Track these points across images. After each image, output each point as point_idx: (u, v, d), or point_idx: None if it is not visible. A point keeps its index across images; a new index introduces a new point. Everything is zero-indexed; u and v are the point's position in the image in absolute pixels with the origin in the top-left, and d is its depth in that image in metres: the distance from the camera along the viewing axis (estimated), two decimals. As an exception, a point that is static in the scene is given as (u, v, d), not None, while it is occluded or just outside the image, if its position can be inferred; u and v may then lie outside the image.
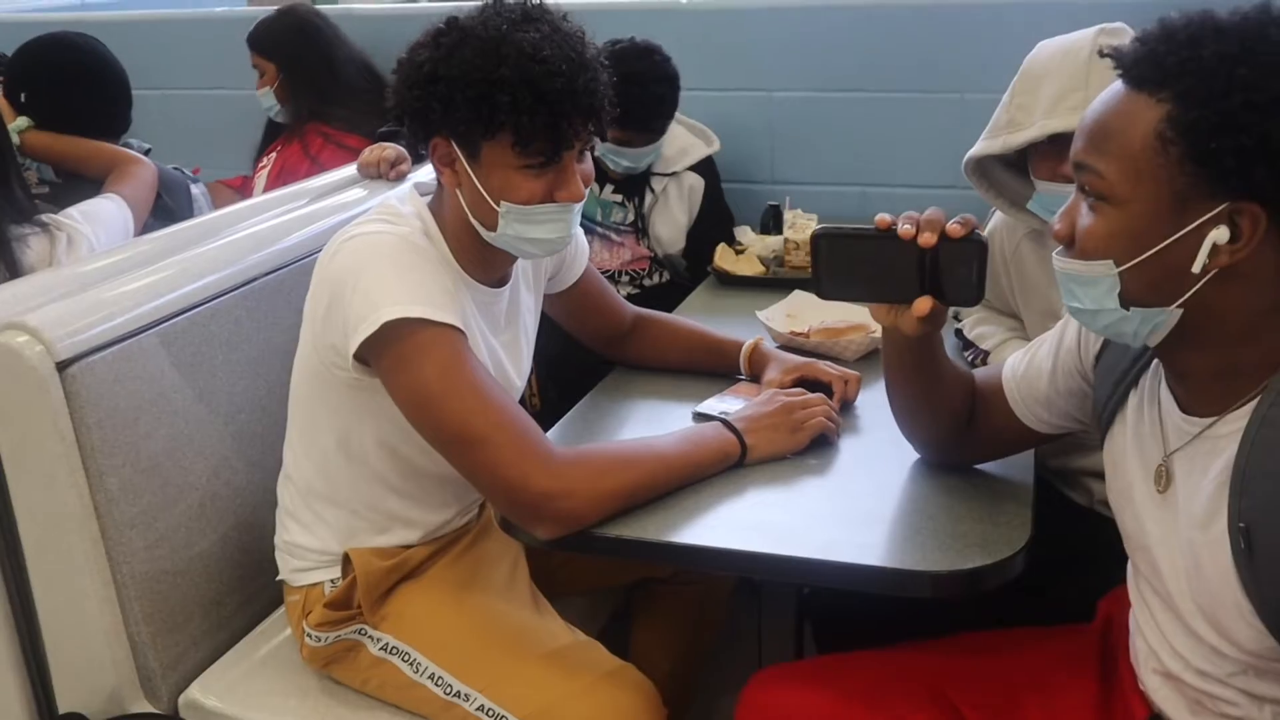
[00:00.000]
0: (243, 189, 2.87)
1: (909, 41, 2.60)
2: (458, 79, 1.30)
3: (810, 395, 1.54)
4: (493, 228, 1.39)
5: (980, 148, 1.57)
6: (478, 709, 1.42)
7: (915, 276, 1.23)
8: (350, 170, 2.20)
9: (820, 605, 1.65)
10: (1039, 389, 1.30)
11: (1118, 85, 1.01)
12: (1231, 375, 1.02)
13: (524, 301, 1.61)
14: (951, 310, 1.86)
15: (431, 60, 1.33)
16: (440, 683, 1.45)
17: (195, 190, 2.54)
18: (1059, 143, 1.46)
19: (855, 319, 1.87)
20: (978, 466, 1.42)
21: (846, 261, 1.28)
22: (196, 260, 1.69)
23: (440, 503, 1.56)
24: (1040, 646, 1.36)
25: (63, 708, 1.57)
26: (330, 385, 1.44)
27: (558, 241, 1.42)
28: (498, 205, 1.36)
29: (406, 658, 1.47)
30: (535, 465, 1.30)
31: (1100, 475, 1.57)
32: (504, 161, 1.34)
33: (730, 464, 1.44)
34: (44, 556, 1.51)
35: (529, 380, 2.39)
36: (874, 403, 1.64)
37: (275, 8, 2.88)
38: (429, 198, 1.49)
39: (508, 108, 1.29)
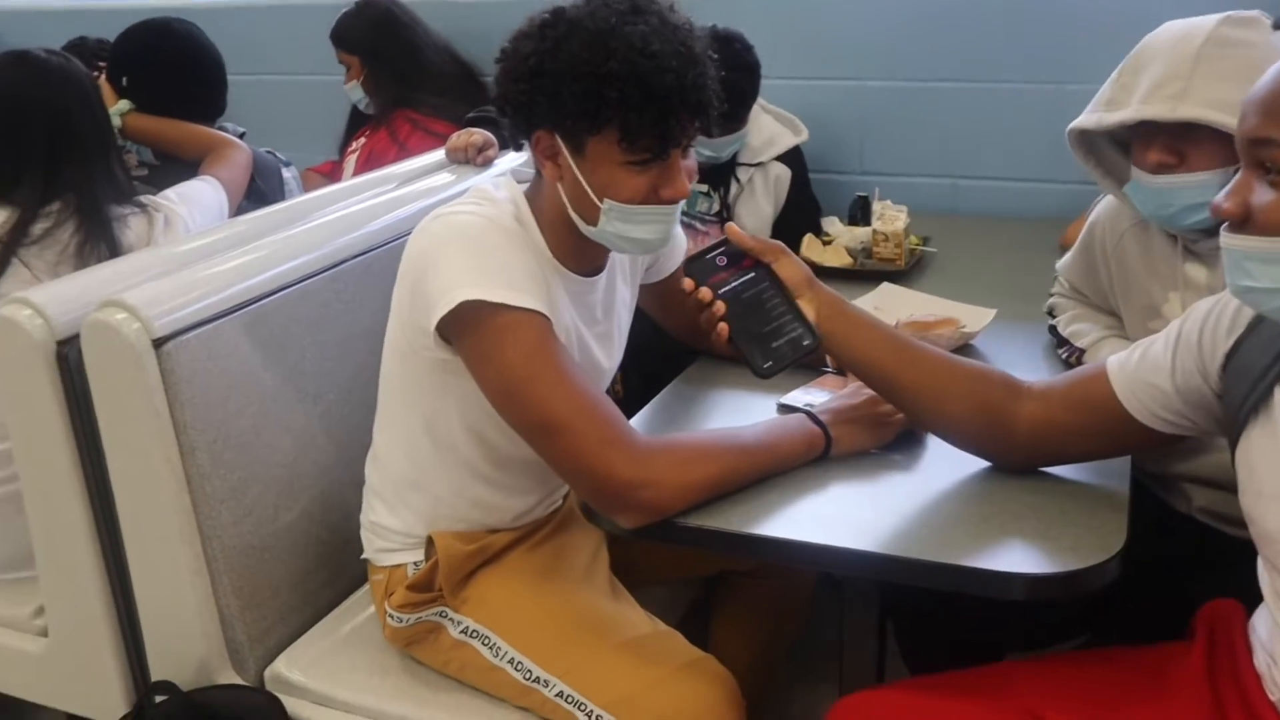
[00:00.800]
0: (332, 174, 2.91)
1: (1008, 30, 2.54)
2: (565, 73, 1.28)
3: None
4: (594, 223, 1.38)
5: (1079, 120, 1.52)
6: (556, 695, 1.42)
7: None
8: (438, 155, 2.22)
9: (903, 608, 1.62)
10: (1156, 384, 1.24)
11: None
12: None
13: (619, 293, 1.60)
14: (1046, 306, 1.82)
15: (538, 53, 1.31)
16: (520, 668, 1.45)
17: (287, 174, 2.59)
18: (1153, 130, 1.41)
19: (944, 312, 1.84)
20: (1069, 471, 1.37)
21: None
22: (287, 242, 1.72)
23: (524, 490, 1.57)
24: (1141, 665, 1.31)
25: (155, 676, 1.61)
26: (417, 367, 1.45)
27: (657, 242, 1.42)
28: (601, 202, 1.35)
29: (486, 641, 1.48)
30: (619, 453, 1.29)
31: (1202, 481, 1.53)
32: (609, 157, 1.33)
33: (815, 457, 1.41)
34: (139, 528, 1.55)
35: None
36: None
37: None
38: (525, 185, 1.49)
39: (615, 103, 1.27)
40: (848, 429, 1.43)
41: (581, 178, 1.35)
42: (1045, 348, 1.79)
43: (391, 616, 1.53)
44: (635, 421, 1.56)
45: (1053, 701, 1.24)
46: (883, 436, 1.45)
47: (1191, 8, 1.51)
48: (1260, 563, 1.16)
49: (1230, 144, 1.35)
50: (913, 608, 1.60)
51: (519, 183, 1.50)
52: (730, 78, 2.25)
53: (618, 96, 1.27)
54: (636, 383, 2.17)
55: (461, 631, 1.50)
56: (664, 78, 1.27)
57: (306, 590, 1.67)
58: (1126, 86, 1.44)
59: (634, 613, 1.54)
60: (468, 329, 1.32)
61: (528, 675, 1.45)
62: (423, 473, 1.53)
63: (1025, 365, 1.74)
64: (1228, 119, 1.32)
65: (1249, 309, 1.15)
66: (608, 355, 1.58)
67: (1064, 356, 1.73)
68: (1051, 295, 1.83)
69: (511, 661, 1.46)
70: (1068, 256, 1.80)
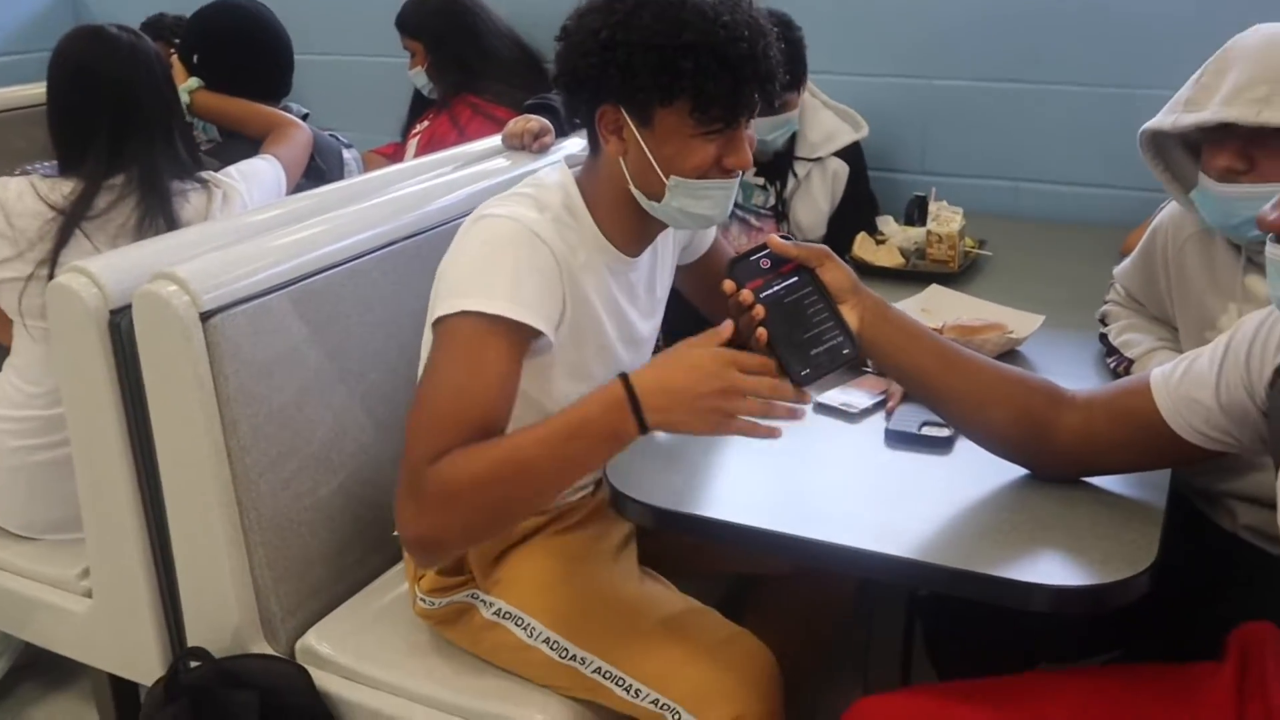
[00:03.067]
0: (394, 156, 2.94)
1: (1076, 32, 2.48)
2: (638, 44, 1.30)
3: (762, 382, 1.21)
4: (658, 199, 1.40)
5: (1154, 121, 1.48)
6: (594, 671, 1.44)
7: None
8: (495, 141, 2.23)
9: (933, 616, 1.60)
10: (1200, 399, 1.21)
11: None
12: None
13: (662, 266, 1.61)
14: (1099, 313, 1.79)
15: (608, 26, 1.32)
16: (555, 646, 1.46)
17: (348, 155, 2.62)
18: (1227, 134, 1.38)
19: (992, 317, 1.81)
20: (1105, 481, 1.35)
21: None
22: (338, 221, 1.74)
23: None
24: (1170, 682, 1.28)
25: (191, 642, 1.65)
26: None
27: (718, 216, 1.44)
28: (667, 178, 1.37)
29: (519, 622, 1.49)
30: (408, 505, 1.28)
31: (1249, 499, 1.49)
32: (679, 128, 1.35)
33: (626, 442, 1.24)
34: (181, 496, 1.59)
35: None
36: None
37: None
38: (577, 169, 1.50)
39: (691, 73, 1.30)
40: (677, 414, 1.21)
41: (649, 151, 1.36)
42: (1095, 356, 1.76)
43: (422, 599, 1.55)
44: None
45: (1075, 716, 1.22)
46: (715, 433, 1.24)
47: (1273, 13, 1.47)
48: None
49: None
50: (942, 612, 1.59)
51: (570, 168, 1.51)
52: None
53: (693, 66, 1.29)
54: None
55: (494, 613, 1.52)
56: (738, 46, 1.30)
57: (341, 566, 1.70)
58: (1208, 87, 1.40)
59: (668, 592, 1.55)
60: (442, 326, 1.33)
61: (564, 654, 1.46)
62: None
63: (1071, 374, 1.71)
64: None
65: None
66: (646, 323, 1.59)
67: (1112, 366, 1.69)
68: (1105, 302, 1.80)
69: (547, 641, 1.47)
70: (1126, 262, 1.76)
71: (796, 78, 2.32)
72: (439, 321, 1.34)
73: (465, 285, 1.34)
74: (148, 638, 1.70)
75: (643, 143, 1.36)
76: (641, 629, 1.45)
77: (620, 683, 1.42)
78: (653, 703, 1.40)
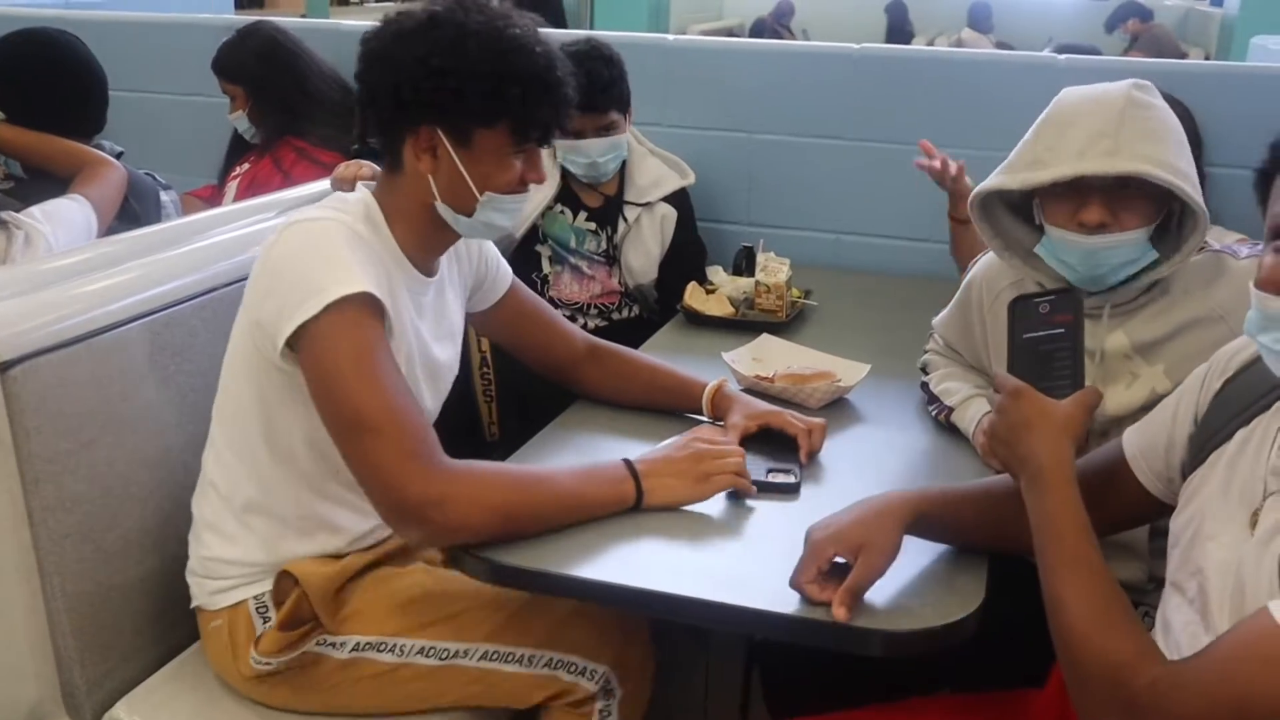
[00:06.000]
0: (212, 200, 2.83)
1: (893, 93, 2.61)
2: (468, 72, 1.38)
3: (728, 446, 1.52)
4: (468, 214, 1.47)
5: (995, 181, 1.54)
6: (480, 659, 1.46)
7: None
8: (323, 185, 2.17)
9: (769, 657, 1.62)
10: (1163, 454, 1.24)
11: None
12: None
13: (450, 300, 1.63)
14: (919, 363, 1.86)
15: (438, 54, 1.39)
16: (431, 653, 1.47)
17: (165, 197, 2.50)
18: (1081, 189, 1.45)
19: (821, 366, 1.86)
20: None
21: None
22: (153, 266, 1.66)
23: (366, 510, 1.50)
24: (997, 711, 1.33)
25: (-19, 718, 1.52)
26: (259, 370, 1.44)
27: (514, 227, 1.59)
28: (480, 194, 1.45)
29: (383, 647, 1.47)
30: (416, 467, 1.31)
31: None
32: (499, 148, 1.44)
33: (626, 507, 1.42)
34: (-28, 561, 1.46)
35: (489, 410, 2.37)
36: (837, 452, 1.63)
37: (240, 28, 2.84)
38: (373, 184, 1.54)
39: (518, 99, 1.40)
40: (662, 481, 1.44)
41: (464, 169, 1.44)
42: (917, 404, 1.83)
43: (257, 661, 1.46)
44: (508, 462, 1.54)
45: None
46: (701, 494, 1.45)
47: (1056, 84, 1.57)
48: (1165, 593, 1.17)
49: (1153, 202, 1.42)
50: (778, 655, 1.61)
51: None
52: (588, 66, 2.31)
53: (520, 93, 1.40)
54: (513, 425, 2.14)
55: (352, 650, 1.47)
56: (554, 73, 1.43)
57: (156, 631, 1.59)
58: (1051, 148, 1.47)
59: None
60: (309, 333, 1.34)
61: (444, 655, 1.47)
62: (264, 490, 1.49)
63: (896, 421, 1.78)
64: (1163, 174, 1.39)
65: (1246, 353, 1.18)
66: (443, 350, 1.61)
67: (934, 414, 1.76)
68: (925, 351, 1.87)
69: (422, 651, 1.47)
70: (944, 313, 1.83)
71: (624, 98, 2.38)
72: (303, 331, 1.33)
73: (314, 281, 1.34)
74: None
75: (458, 161, 1.44)
76: (510, 608, 1.48)
77: (510, 657, 1.46)
78: (547, 664, 1.47)
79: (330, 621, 1.47)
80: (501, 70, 1.39)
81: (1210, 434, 1.16)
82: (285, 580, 1.47)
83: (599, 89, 2.31)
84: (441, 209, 1.47)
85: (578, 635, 1.48)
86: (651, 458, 1.47)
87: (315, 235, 1.40)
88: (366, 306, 1.35)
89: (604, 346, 1.81)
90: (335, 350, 1.33)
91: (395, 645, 1.47)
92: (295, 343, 1.36)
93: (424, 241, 1.52)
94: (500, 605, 1.49)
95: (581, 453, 1.64)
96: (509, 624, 1.48)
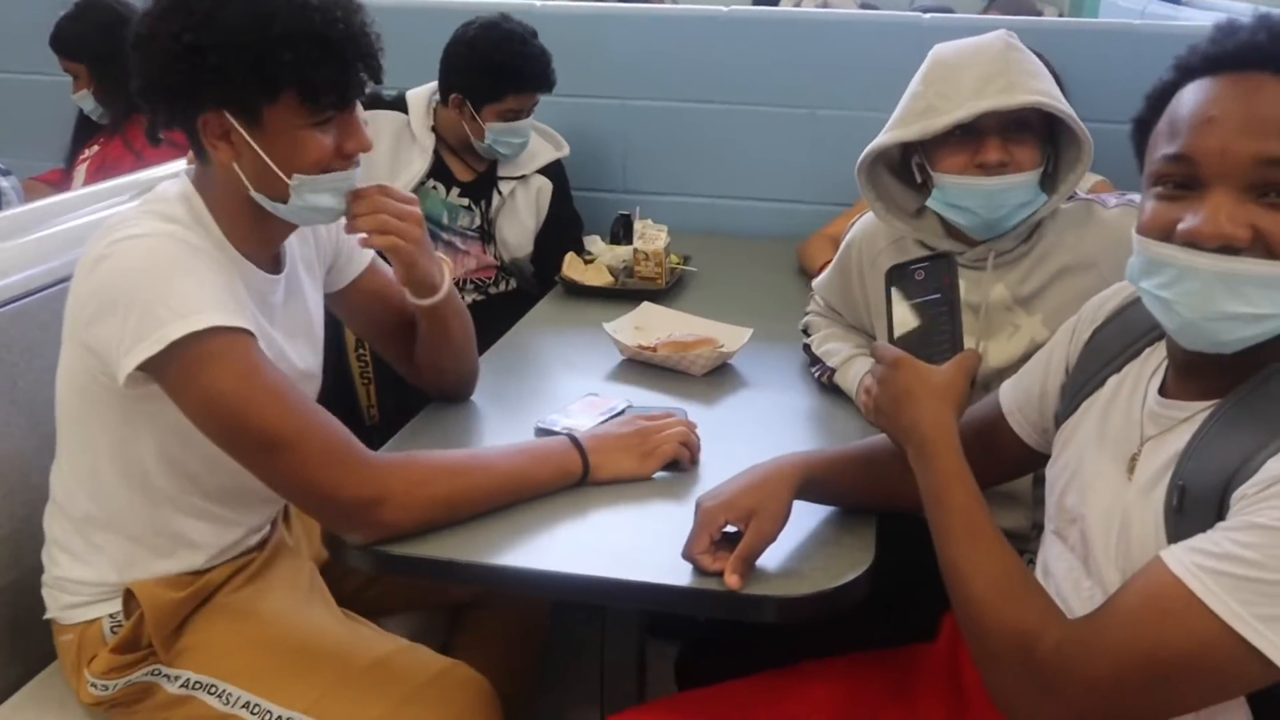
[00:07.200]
0: (60, 185, 2.68)
1: (763, 56, 2.60)
2: (227, 44, 1.21)
3: (671, 418, 1.51)
4: (283, 200, 1.32)
5: (890, 136, 1.54)
6: None
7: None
8: (180, 165, 2.06)
9: (669, 629, 1.61)
10: (1037, 405, 1.26)
11: (1257, 79, 0.93)
12: (1254, 365, 0.96)
13: (306, 289, 1.51)
14: (801, 324, 1.86)
15: (190, 29, 1.22)
16: (257, 710, 1.36)
17: (5, 183, 2.36)
18: (976, 132, 1.47)
19: (703, 332, 1.85)
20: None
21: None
22: (-3, 257, 1.55)
23: (229, 521, 1.45)
24: (890, 668, 1.34)
25: None
26: (98, 397, 1.32)
27: (342, 208, 1.38)
28: (289, 178, 1.29)
29: (213, 690, 1.37)
30: (347, 470, 1.25)
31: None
32: (292, 122, 1.27)
33: (571, 482, 1.40)
34: None
35: (368, 393, 2.31)
36: (727, 423, 1.62)
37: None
38: (193, 169, 1.38)
39: (293, 65, 1.22)
40: (610, 456, 1.42)
41: (263, 153, 1.28)
42: (800, 367, 1.83)
43: (93, 685, 1.38)
44: (385, 449, 1.49)
45: (810, 710, 1.26)
46: (646, 468, 1.44)
47: (924, 44, 1.58)
48: (1044, 539, 1.19)
49: (1039, 145, 1.46)
50: (701, 630, 1.61)
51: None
52: (535, 45, 2.31)
53: (294, 57, 1.22)
54: (390, 408, 2.09)
55: (182, 686, 1.38)
56: (335, 28, 1.24)
57: (7, 654, 1.49)
58: (944, 94, 1.48)
59: (373, 633, 1.48)
60: (173, 361, 1.22)
61: (266, 717, 1.35)
62: (113, 512, 1.39)
63: (779, 383, 1.78)
64: (1058, 104, 1.43)
65: (1114, 302, 1.18)
66: (302, 358, 1.48)
67: (816, 375, 1.77)
68: (807, 313, 1.87)
69: (247, 705, 1.36)
70: (824, 274, 1.84)
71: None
72: (154, 364, 1.21)
73: (155, 315, 1.21)
74: None
75: (255, 145, 1.28)
76: (350, 677, 1.38)
77: None
78: None
79: (164, 651, 1.38)
80: (266, 36, 1.21)
81: (1082, 382, 1.18)
82: (131, 601, 1.39)
83: (550, 68, 2.32)
84: (258, 198, 1.32)
85: (421, 715, 1.35)
86: (596, 433, 1.46)
87: (145, 256, 1.25)
88: (231, 334, 1.24)
89: None
90: (211, 379, 1.22)
91: (223, 691, 1.37)
92: (146, 373, 1.24)
93: (254, 234, 1.37)
94: (337, 666, 1.38)
95: (462, 433, 1.60)
96: (340, 693, 1.36)
